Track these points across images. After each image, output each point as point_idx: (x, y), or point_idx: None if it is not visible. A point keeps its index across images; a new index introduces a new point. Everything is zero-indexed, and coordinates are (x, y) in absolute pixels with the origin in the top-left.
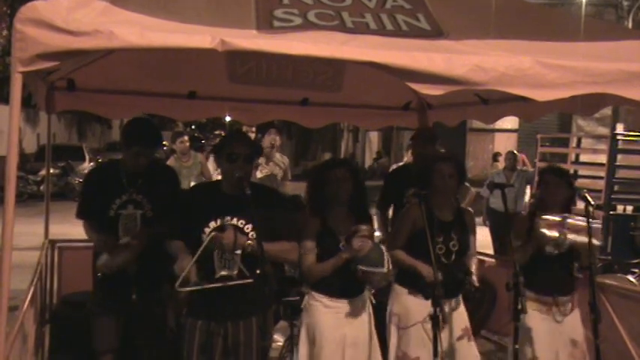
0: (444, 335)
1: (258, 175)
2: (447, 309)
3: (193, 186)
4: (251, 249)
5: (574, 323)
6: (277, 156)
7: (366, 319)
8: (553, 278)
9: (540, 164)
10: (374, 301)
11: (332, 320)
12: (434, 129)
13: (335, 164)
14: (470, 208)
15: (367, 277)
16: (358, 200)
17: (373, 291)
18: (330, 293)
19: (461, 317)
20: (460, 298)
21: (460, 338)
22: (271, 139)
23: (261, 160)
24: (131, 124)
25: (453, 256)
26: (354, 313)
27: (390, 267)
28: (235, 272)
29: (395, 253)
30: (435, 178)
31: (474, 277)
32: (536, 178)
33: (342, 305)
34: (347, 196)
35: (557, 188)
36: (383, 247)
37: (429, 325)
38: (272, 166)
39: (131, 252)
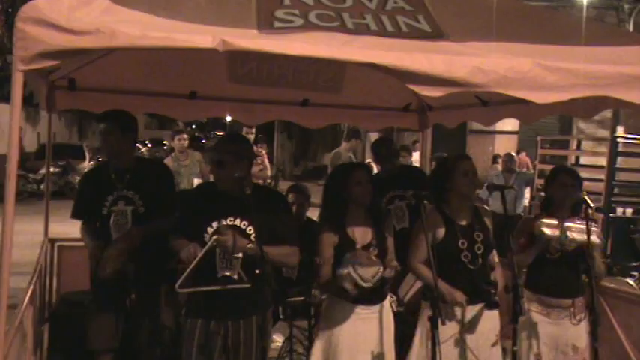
0: (476, 342)
1: None
2: (473, 313)
3: (197, 186)
4: (252, 251)
5: (579, 329)
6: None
7: (385, 325)
8: (558, 280)
9: (540, 166)
10: (395, 309)
11: (351, 324)
12: (391, 141)
13: (354, 167)
14: (486, 207)
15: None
16: (374, 201)
17: (395, 298)
18: (350, 297)
19: (492, 323)
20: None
21: (494, 344)
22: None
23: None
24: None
25: (480, 260)
26: (373, 319)
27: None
28: (236, 273)
29: (417, 268)
30: (456, 177)
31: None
32: (536, 181)
33: (363, 310)
34: (370, 198)
35: (572, 190)
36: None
37: (460, 337)
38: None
39: (118, 253)
